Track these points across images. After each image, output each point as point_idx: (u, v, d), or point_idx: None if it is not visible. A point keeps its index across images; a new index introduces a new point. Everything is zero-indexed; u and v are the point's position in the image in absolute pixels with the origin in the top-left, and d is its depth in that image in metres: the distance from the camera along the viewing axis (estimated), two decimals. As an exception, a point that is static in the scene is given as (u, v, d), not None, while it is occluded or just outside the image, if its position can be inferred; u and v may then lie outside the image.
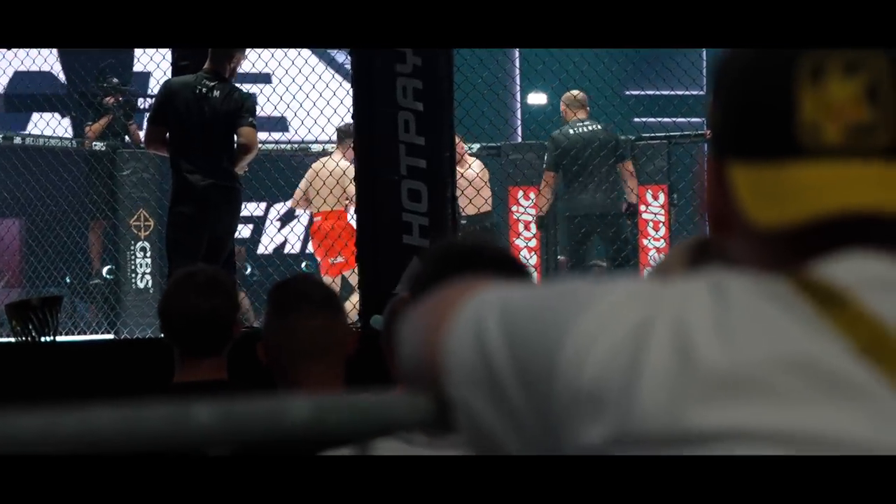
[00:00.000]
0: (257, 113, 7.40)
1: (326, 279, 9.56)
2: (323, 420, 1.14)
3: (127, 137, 10.55)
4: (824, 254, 1.04)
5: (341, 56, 12.54)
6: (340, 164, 9.42)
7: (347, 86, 8.26)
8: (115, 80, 10.60)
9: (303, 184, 9.96)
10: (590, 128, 9.80)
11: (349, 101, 7.24)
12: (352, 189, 7.53)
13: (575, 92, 9.85)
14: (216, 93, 7.09)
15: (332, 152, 9.98)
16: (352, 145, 7.12)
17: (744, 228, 1.07)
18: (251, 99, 7.27)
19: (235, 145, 7.15)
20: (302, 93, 10.10)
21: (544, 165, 9.83)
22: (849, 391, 0.97)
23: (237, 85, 7.33)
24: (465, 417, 1.09)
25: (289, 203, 11.34)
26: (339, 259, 9.60)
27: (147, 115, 7.86)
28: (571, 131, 9.75)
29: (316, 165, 9.86)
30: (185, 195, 7.09)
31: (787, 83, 1.06)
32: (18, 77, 11.52)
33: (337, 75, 11.55)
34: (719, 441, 0.96)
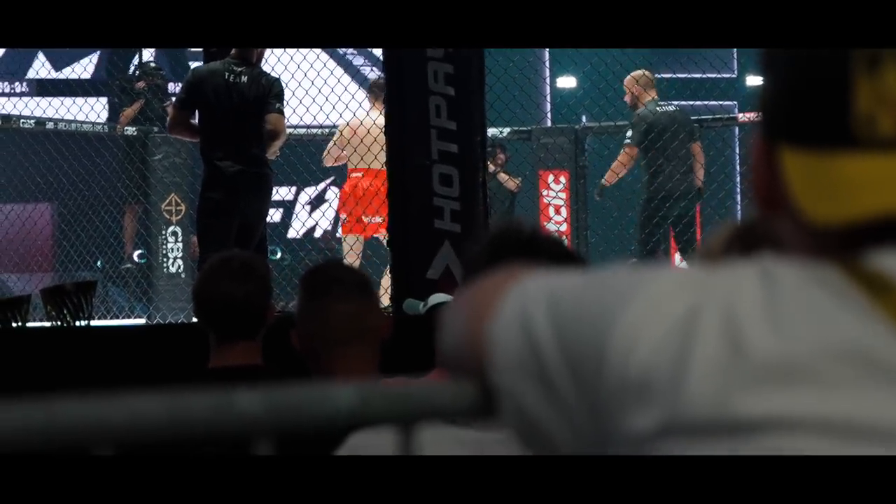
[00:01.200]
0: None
1: (350, 238, 9.39)
2: (368, 407, 1.13)
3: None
4: (875, 245, 1.03)
5: (359, 59, 12.59)
6: (378, 122, 8.90)
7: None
8: (153, 63, 10.64)
9: (339, 140, 9.52)
10: (670, 107, 9.70)
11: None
12: None
13: (639, 73, 9.69)
14: (244, 78, 7.11)
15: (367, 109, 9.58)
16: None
17: (791, 211, 1.06)
18: (278, 84, 7.29)
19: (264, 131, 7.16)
20: (333, 77, 10.11)
21: (628, 140, 9.57)
22: None
23: (264, 69, 7.35)
24: (510, 406, 1.09)
25: (320, 186, 11.37)
26: (377, 219, 9.23)
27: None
28: (658, 109, 9.59)
29: (353, 122, 9.44)
30: (216, 181, 7.11)
31: (844, 72, 1.04)
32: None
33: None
34: (769, 429, 0.96)
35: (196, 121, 7.27)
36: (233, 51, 7.17)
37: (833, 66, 1.04)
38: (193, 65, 8.77)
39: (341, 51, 12.91)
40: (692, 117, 10.17)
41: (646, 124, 9.51)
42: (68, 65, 11.58)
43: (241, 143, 7.05)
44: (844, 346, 0.98)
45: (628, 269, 1.08)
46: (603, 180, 9.97)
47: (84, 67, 11.63)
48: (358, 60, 13.02)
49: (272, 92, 7.14)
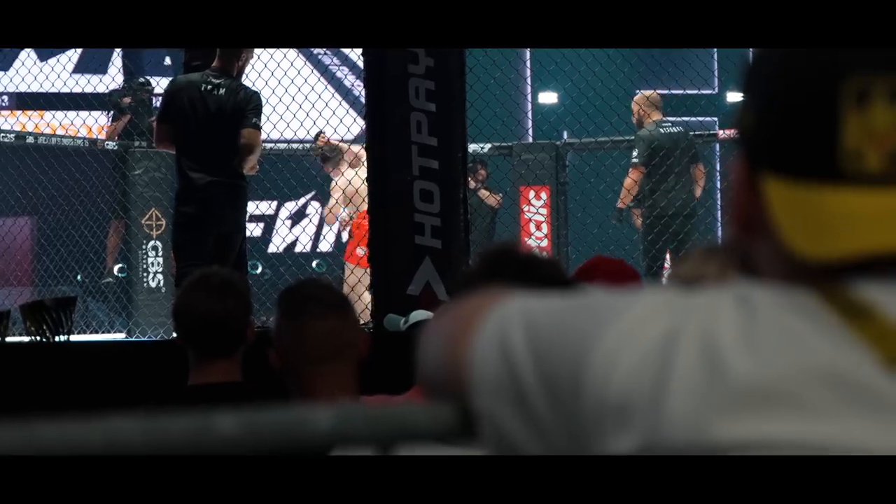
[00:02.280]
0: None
1: (359, 271, 9.63)
2: (345, 429, 1.14)
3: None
4: (855, 275, 1.03)
5: (327, 59, 12.58)
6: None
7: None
8: (141, 80, 10.64)
9: (339, 196, 10.04)
10: (674, 129, 9.77)
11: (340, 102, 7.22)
12: None
13: (649, 92, 9.82)
14: (221, 90, 7.05)
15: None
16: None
17: (771, 239, 1.06)
18: (257, 98, 7.21)
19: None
20: (314, 93, 10.11)
21: (635, 160, 9.62)
22: (876, 403, 0.97)
23: (244, 83, 7.30)
24: (489, 429, 1.09)
25: (300, 201, 11.37)
26: None
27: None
28: (661, 130, 9.68)
29: (350, 176, 9.90)
30: (188, 194, 7.06)
31: (832, 106, 1.03)
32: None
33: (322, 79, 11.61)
34: (747, 453, 0.97)
35: None
36: (214, 62, 7.13)
37: (821, 98, 1.04)
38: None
39: (324, 61, 12.91)
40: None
41: (651, 146, 9.58)
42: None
43: (215, 154, 7.00)
44: (822, 371, 0.98)
45: (607, 293, 1.09)
46: (618, 203, 9.97)
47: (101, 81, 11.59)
48: (341, 73, 12.99)
49: (249, 106, 7.07)
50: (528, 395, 1.05)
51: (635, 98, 9.85)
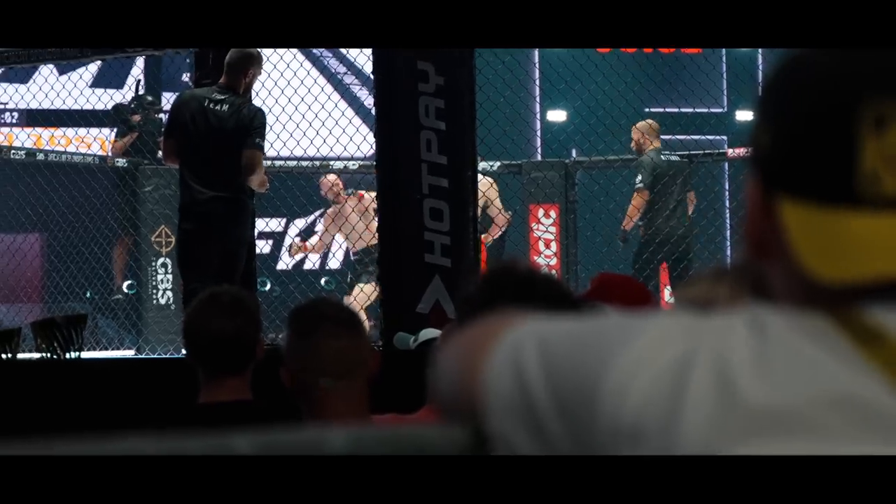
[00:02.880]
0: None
1: (368, 288, 9.80)
2: (360, 452, 1.14)
3: (159, 153, 10.58)
4: (870, 299, 1.03)
5: (335, 63, 12.62)
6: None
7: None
8: (149, 97, 10.66)
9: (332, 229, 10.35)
10: (673, 157, 10.06)
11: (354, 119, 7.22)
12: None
13: (650, 121, 10.04)
14: (224, 106, 7.01)
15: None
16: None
17: (786, 261, 1.06)
18: (260, 116, 7.14)
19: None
20: (324, 110, 10.13)
21: (640, 184, 9.84)
22: (888, 428, 0.97)
23: (249, 99, 7.23)
24: (503, 449, 1.10)
25: (309, 218, 11.40)
26: None
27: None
28: (663, 157, 9.93)
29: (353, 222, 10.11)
30: (189, 209, 7.04)
31: (849, 129, 1.03)
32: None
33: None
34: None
35: None
36: (221, 79, 7.10)
37: (838, 122, 1.03)
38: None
39: (331, 65, 12.94)
40: (682, 152, 10.27)
41: (656, 171, 9.78)
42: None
43: (216, 170, 6.95)
44: (835, 396, 0.98)
45: (619, 316, 1.09)
46: (623, 225, 10.11)
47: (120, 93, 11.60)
48: (353, 84, 13.01)
49: (253, 124, 7.02)
50: (541, 417, 1.06)
51: (637, 125, 10.03)
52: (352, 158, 10.51)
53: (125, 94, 10.92)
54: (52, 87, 10.45)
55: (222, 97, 7.02)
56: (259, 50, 7.23)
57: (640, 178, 9.82)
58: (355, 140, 10.16)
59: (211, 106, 6.99)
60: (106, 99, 10.85)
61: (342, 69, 13.12)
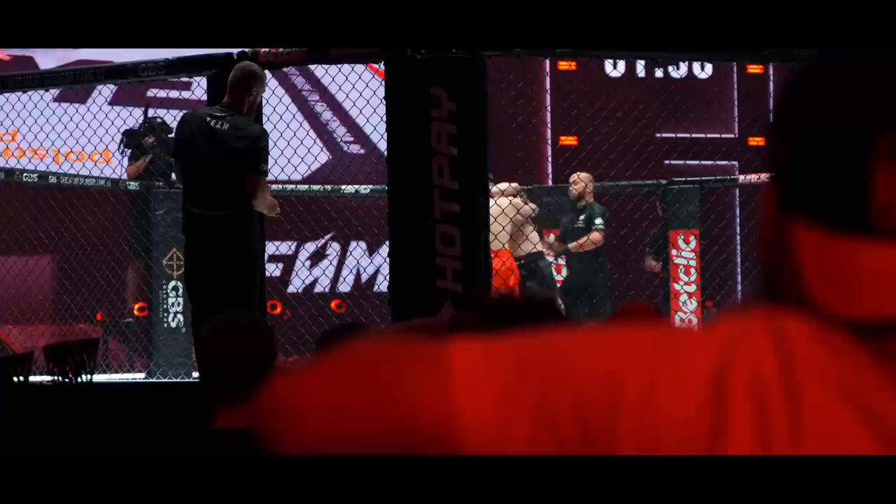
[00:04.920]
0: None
1: None
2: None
3: (172, 175, 10.59)
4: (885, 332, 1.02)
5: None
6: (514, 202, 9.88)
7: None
8: (160, 119, 10.67)
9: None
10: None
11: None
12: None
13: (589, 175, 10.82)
14: (225, 125, 6.87)
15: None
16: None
17: (794, 279, 1.04)
18: (263, 138, 6.96)
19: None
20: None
21: (602, 226, 10.60)
22: None
23: (251, 119, 7.03)
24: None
25: (319, 242, 11.40)
26: None
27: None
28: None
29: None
30: (193, 231, 6.93)
31: (864, 159, 1.02)
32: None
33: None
34: None
35: None
36: (225, 97, 6.97)
37: (854, 151, 1.02)
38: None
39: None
40: (694, 178, 10.39)
41: (604, 213, 10.66)
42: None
43: (218, 190, 6.82)
44: (860, 412, 0.98)
45: (623, 326, 1.07)
46: (570, 244, 10.60)
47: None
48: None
49: (255, 147, 6.85)
50: (563, 436, 1.03)
51: (581, 175, 10.69)
52: (363, 183, 10.52)
53: (136, 120, 10.92)
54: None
55: (223, 115, 6.90)
56: (262, 69, 7.13)
57: (599, 221, 10.58)
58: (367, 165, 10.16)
59: (212, 124, 6.88)
60: (125, 115, 10.87)
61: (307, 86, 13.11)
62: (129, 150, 10.69)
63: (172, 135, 10.34)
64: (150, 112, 11.02)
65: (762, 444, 0.98)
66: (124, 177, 10.56)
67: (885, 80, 1.03)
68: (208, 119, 6.89)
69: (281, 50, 7.06)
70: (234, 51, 7.15)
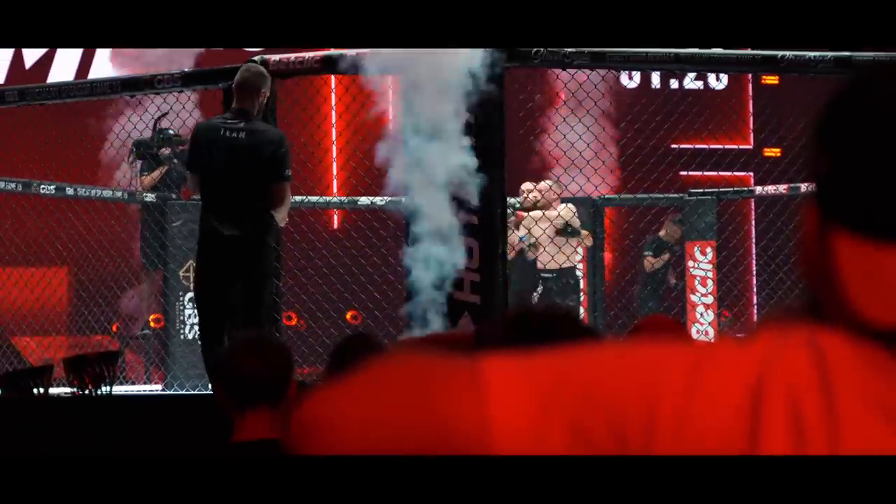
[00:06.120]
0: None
1: None
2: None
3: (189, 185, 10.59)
4: None
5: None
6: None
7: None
8: (171, 131, 10.67)
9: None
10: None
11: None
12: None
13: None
14: (241, 134, 6.64)
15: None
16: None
17: (836, 291, 1.04)
18: (283, 143, 6.75)
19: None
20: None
21: (587, 234, 10.52)
22: None
23: (266, 123, 6.88)
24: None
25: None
26: None
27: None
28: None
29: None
30: (208, 245, 6.73)
31: None
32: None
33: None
34: None
35: None
36: (233, 104, 6.78)
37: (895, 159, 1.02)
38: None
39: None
40: (710, 189, 10.37)
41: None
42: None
43: (238, 204, 6.62)
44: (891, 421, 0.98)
45: (657, 344, 1.07)
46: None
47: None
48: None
49: (276, 155, 6.64)
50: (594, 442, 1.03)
51: (542, 185, 10.53)
52: (378, 196, 10.51)
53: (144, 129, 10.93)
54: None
55: (237, 124, 6.67)
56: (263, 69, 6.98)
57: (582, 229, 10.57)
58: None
59: (227, 134, 6.65)
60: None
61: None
62: (141, 161, 10.70)
63: (185, 147, 10.39)
64: (160, 124, 11.01)
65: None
66: (138, 188, 10.58)
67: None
68: (223, 130, 6.67)
69: (293, 58, 7.00)
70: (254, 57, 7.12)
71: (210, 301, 6.75)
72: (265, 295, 6.81)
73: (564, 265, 10.28)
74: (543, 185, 10.42)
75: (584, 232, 10.44)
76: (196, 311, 7.21)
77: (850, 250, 1.03)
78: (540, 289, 10.37)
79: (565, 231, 10.20)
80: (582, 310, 10.55)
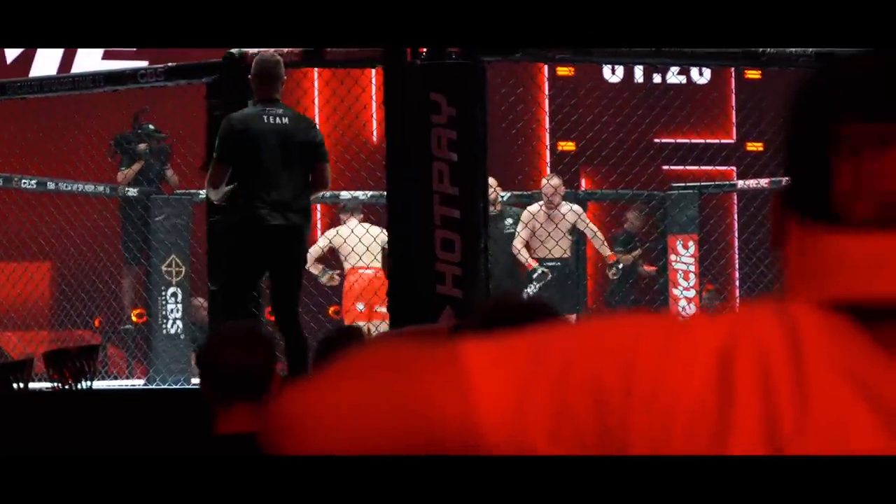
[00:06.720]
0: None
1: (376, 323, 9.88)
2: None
3: (171, 176, 10.58)
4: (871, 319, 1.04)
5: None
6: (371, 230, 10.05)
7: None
8: (151, 126, 10.65)
9: (324, 246, 10.41)
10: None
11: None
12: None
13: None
14: (285, 119, 6.77)
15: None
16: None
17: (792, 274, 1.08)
18: (316, 126, 6.97)
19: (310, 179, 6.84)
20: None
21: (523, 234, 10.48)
22: None
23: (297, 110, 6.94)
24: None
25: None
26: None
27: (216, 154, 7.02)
28: None
29: (342, 230, 10.23)
30: (250, 230, 6.71)
31: (826, 149, 1.05)
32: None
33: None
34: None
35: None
36: (256, 94, 6.83)
37: (817, 142, 1.06)
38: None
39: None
40: (692, 184, 10.37)
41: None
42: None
43: (291, 191, 6.71)
44: (866, 395, 0.99)
45: (628, 317, 1.08)
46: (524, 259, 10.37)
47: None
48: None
49: (318, 136, 6.84)
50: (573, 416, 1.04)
51: (552, 183, 10.41)
52: (359, 189, 10.51)
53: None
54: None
55: (277, 111, 6.78)
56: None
57: (521, 227, 10.31)
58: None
59: (272, 121, 6.73)
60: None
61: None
62: (118, 156, 10.67)
63: (163, 142, 10.39)
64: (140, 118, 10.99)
65: (768, 420, 1.00)
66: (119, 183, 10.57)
67: (847, 73, 1.07)
68: (266, 118, 6.73)
69: (274, 52, 7.00)
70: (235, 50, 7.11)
71: (239, 287, 6.76)
72: (300, 283, 6.94)
73: (563, 255, 10.32)
74: (556, 181, 10.39)
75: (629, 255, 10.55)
76: (210, 276, 7.22)
77: (794, 232, 1.07)
78: (537, 278, 10.32)
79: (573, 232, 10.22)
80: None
